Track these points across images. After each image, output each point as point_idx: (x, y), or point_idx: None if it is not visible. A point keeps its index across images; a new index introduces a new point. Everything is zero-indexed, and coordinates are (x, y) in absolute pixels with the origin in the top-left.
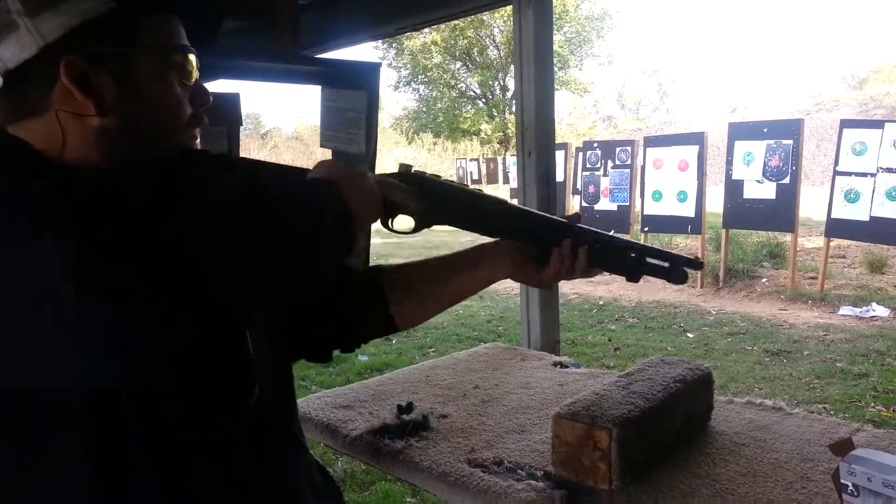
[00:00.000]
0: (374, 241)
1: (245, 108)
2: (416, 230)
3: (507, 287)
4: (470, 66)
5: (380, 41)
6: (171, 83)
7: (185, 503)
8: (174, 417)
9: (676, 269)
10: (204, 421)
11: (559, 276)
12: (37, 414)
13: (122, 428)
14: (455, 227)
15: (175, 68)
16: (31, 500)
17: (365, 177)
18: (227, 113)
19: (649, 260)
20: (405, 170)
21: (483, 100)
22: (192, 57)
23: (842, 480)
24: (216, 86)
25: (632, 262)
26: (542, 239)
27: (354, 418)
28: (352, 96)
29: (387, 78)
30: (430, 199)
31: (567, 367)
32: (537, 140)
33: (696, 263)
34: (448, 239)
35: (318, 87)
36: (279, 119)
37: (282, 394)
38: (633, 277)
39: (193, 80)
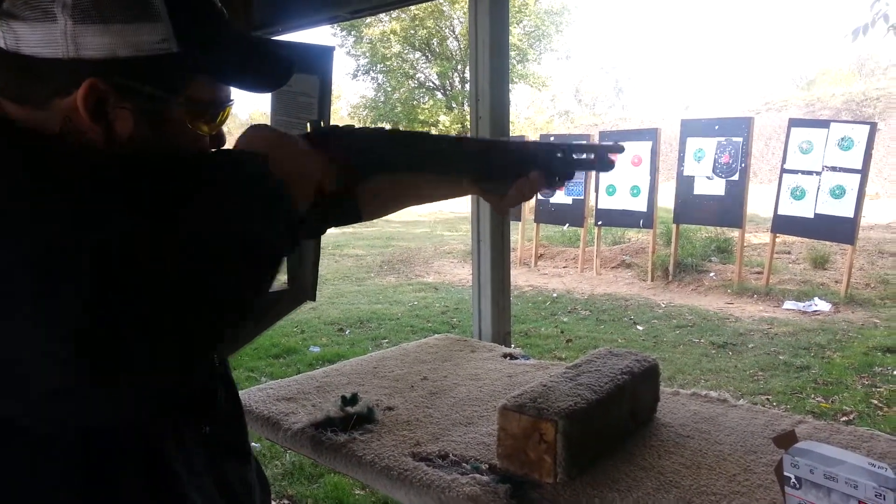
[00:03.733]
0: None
1: None
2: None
3: (462, 279)
4: (429, 56)
5: (338, 28)
6: (200, 132)
7: None
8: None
9: (602, 159)
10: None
11: (521, 200)
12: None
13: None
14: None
15: (208, 118)
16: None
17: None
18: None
19: (575, 157)
20: (314, 129)
21: (442, 91)
22: (230, 108)
23: (785, 473)
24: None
25: (560, 164)
26: (501, 173)
27: (297, 411)
28: (304, 80)
29: (345, 66)
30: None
31: (517, 358)
32: (492, 129)
33: (618, 147)
34: (402, 230)
35: None
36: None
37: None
38: (567, 177)
39: (221, 126)
